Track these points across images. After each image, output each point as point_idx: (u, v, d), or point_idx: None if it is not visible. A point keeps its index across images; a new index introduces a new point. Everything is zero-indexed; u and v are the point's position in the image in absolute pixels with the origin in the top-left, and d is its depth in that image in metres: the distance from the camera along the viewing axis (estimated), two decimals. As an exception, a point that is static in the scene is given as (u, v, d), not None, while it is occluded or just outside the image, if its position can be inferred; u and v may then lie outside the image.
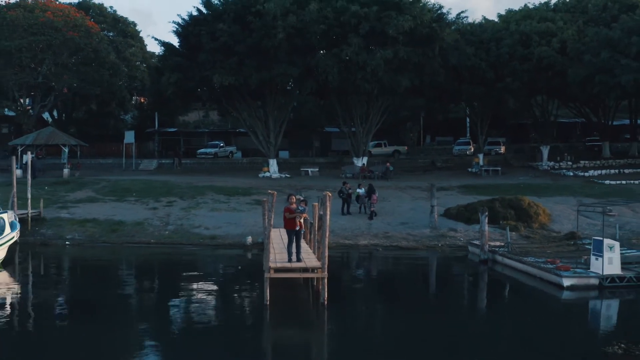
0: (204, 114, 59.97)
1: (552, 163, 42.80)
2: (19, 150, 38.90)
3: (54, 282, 18.27)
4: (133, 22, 53.76)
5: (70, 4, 51.09)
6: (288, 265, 13.82)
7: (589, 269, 15.69)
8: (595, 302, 15.04)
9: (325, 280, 13.28)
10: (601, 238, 15.49)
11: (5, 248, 18.44)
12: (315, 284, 14.44)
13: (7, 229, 18.59)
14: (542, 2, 44.58)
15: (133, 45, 50.93)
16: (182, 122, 57.87)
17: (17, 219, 21.04)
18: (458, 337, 12.15)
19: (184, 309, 14.36)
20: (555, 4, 43.69)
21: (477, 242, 20.34)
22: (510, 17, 42.47)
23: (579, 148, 48.86)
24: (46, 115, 51.46)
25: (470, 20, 47.55)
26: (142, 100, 57.34)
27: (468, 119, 50.65)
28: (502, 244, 19.87)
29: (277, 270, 13.50)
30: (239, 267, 20.24)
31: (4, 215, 18.75)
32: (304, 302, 14.97)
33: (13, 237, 19.14)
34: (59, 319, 13.62)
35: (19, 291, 16.48)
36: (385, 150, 47.95)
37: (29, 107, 46.21)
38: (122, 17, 53.01)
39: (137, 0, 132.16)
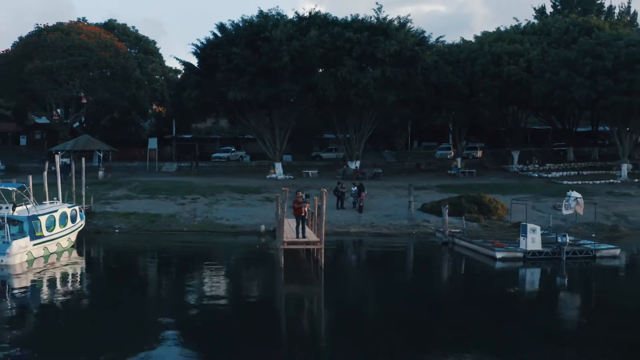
0: (213, 121, 65.01)
1: (521, 166, 47.87)
2: (60, 154, 43.87)
3: (118, 257, 23.26)
4: (153, 40, 58.68)
5: (97, 24, 56.38)
6: (296, 239, 18.85)
7: (518, 246, 20.71)
8: (516, 269, 20.04)
9: (322, 250, 18.31)
10: (525, 223, 20.56)
11: (76, 233, 23.39)
12: (315, 255, 19.38)
13: (79, 218, 23.55)
14: (513, 25, 49.74)
15: (153, 61, 55.92)
16: (194, 129, 62.97)
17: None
18: (415, 287, 17.20)
19: (221, 271, 19.37)
20: (524, 27, 48.74)
21: (441, 229, 25.35)
22: (484, 39, 47.53)
23: (547, 152, 53.91)
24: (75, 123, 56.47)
25: (452, 40, 52.74)
26: (159, 110, 62.32)
27: (450, 127, 55.76)
28: (460, 230, 24.87)
29: (288, 243, 18.53)
30: (257, 246, 25.28)
31: (76, 208, 23.72)
32: (306, 266, 20.01)
33: (82, 225, 24.12)
34: (126, 279, 18.63)
35: (90, 263, 21.46)
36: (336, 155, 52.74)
37: (61, 117, 51.22)
38: (143, 36, 58.02)
39: (148, 11, 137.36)
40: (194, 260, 22.64)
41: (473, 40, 49.64)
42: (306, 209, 19.31)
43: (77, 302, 15.59)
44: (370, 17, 42.34)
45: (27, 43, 47.11)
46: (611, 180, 42.00)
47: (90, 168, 47.00)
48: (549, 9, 57.44)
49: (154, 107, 60.06)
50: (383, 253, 24.61)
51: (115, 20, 58.14)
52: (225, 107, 44.44)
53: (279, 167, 44.04)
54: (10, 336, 11.91)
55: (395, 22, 41.82)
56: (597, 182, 41.76)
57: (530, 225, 20.40)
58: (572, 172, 45.53)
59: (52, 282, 17.70)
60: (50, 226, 20.51)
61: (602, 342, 12.22)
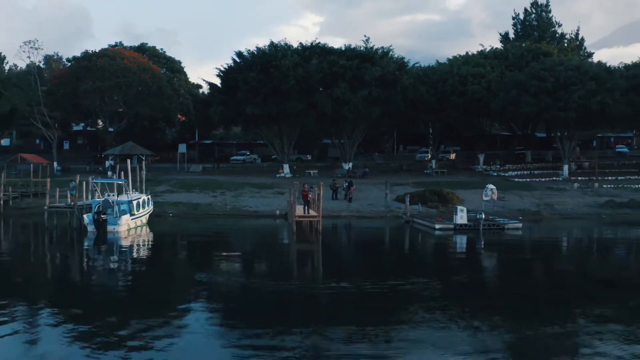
0: (228, 128, 74.49)
1: (485, 166, 57.28)
2: (110, 158, 53.55)
3: (175, 231, 32.60)
4: (179, 60, 68.17)
5: (131, 47, 65.99)
6: (304, 214, 28.33)
7: (452, 221, 30.14)
8: (449, 235, 29.36)
9: (320, 221, 27.75)
10: (457, 206, 30.04)
11: (148, 214, 32.80)
12: (315, 225, 28.73)
13: (150, 204, 33.00)
14: (479, 50, 59.14)
15: (179, 78, 65.44)
16: (212, 135, 72.51)
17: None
18: (378, 243, 26.58)
19: (253, 237, 28.74)
20: (487, 52, 58.13)
21: (406, 213, 34.78)
22: (454, 62, 56.90)
23: (509, 155, 63.32)
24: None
25: (436, 50, 62.18)
26: (183, 119, 71.81)
27: (431, 133, 65.18)
28: (417, 213, 34.31)
29: (299, 217, 28.00)
30: (276, 222, 34.76)
31: (149, 197, 33.18)
32: (309, 233, 29.39)
33: (152, 209, 33.58)
34: (182, 244, 28.04)
35: (159, 235, 30.85)
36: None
37: (106, 126, 60.76)
38: (170, 56, 67.53)
39: (162, 21, 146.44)
40: (230, 232, 32.04)
41: (446, 62, 58.95)
42: (310, 196, 28.79)
43: (154, 255, 25.05)
44: (360, 47, 51.93)
45: (80, 66, 56.61)
46: (554, 178, 51.45)
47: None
48: (512, 35, 66.86)
49: (180, 116, 69.60)
50: (362, 228, 34.00)
51: (147, 43, 67.88)
52: (243, 120, 53.96)
53: (286, 167, 53.52)
54: (112, 272, 21.33)
55: (380, 51, 51.44)
56: (543, 179, 51.22)
57: (459, 207, 29.88)
58: (526, 172, 54.97)
59: (140, 243, 27.14)
60: (138, 208, 29.90)
61: (490, 272, 21.60)
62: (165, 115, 59.95)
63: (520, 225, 30.62)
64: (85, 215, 27.77)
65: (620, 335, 12.39)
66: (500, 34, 67.51)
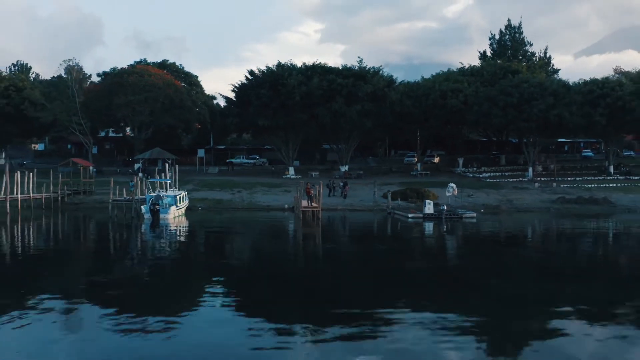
0: (240, 135, 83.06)
1: (463, 168, 65.77)
2: (139, 161, 62.08)
3: (207, 219, 41.01)
4: (196, 75, 76.73)
5: (154, 63, 74.58)
6: (307, 206, 36.80)
7: (423, 212, 38.59)
8: (419, 223, 37.75)
9: (320, 211, 36.20)
10: (426, 200, 38.50)
11: (184, 208, 41.22)
12: (317, 214, 37.11)
13: (187, 199, 41.47)
14: (459, 67, 67.63)
15: (197, 91, 74.02)
16: (224, 141, 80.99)
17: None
18: (364, 227, 35.05)
19: (267, 224, 37.22)
20: (465, 69, 66.61)
21: (388, 206, 43.21)
22: (437, 78, 65.31)
23: (486, 158, 71.83)
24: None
25: (431, 54, 70.72)
26: (198, 126, 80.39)
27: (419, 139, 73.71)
28: (398, 206, 42.74)
29: (304, 208, 36.49)
30: (285, 213, 43.20)
31: (186, 192, 41.66)
32: (311, 221, 37.82)
33: (187, 203, 42.03)
34: (216, 229, 36.51)
35: (195, 222, 39.32)
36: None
37: (136, 134, 69.29)
38: (188, 72, 76.15)
39: (171, 29, 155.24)
40: (249, 221, 40.46)
41: (430, 77, 67.42)
42: (312, 192, 37.26)
43: (194, 236, 33.50)
44: (355, 66, 60.48)
45: (113, 82, 65.18)
46: (521, 179, 59.93)
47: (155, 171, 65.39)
48: (489, 52, 75.41)
49: (197, 125, 78.20)
50: (353, 218, 42.42)
51: (168, 60, 76.54)
52: (255, 129, 62.51)
53: (291, 169, 61.99)
54: (165, 246, 29.74)
55: (371, 70, 60.01)
56: (511, 180, 59.69)
57: (427, 201, 38.34)
58: (497, 173, 63.46)
59: (182, 227, 35.56)
60: (180, 201, 38.35)
61: (446, 250, 30.03)
62: (185, 124, 68.51)
63: (475, 215, 39.06)
64: (142, 206, 36.26)
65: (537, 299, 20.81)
66: (479, 52, 76.22)
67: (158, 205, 35.37)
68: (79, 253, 25.99)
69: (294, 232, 34.22)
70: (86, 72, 76.85)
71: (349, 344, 11.66)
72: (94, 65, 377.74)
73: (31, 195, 43.18)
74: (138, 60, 75.36)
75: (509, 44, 72.09)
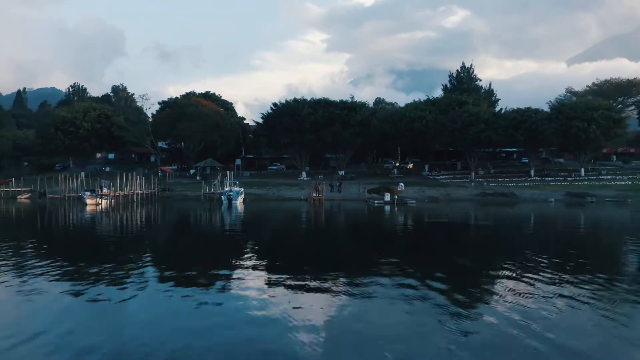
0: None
1: (428, 172, 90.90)
2: (200, 169, 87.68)
3: (256, 206, 66.31)
4: (231, 102, 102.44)
5: (199, 93, 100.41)
6: (315, 196, 62.19)
7: (384, 200, 63.72)
8: (382, 206, 62.75)
9: (323, 200, 61.49)
10: (385, 192, 63.72)
11: (242, 198, 66.48)
12: (322, 202, 62.21)
13: (243, 192, 66.80)
14: (425, 98, 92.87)
15: (232, 115, 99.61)
16: (251, 151, 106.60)
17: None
18: (349, 211, 60.44)
19: (291, 207, 62.60)
20: (430, 100, 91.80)
21: (367, 198, 68.37)
22: (409, 107, 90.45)
23: (447, 164, 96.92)
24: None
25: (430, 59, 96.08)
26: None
27: (399, 150, 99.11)
28: (371, 197, 67.95)
29: (314, 198, 61.87)
30: (302, 202, 68.49)
31: (243, 188, 66.98)
32: (319, 205, 63.08)
33: (244, 195, 67.37)
34: (262, 211, 62.02)
35: (249, 208, 64.71)
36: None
37: (190, 147, 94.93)
38: (225, 100, 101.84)
39: (188, 38, 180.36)
40: (280, 206, 65.64)
41: (405, 105, 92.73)
42: (319, 188, 62.68)
43: (254, 213, 58.82)
44: (349, 101, 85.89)
45: (175, 112, 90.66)
46: (465, 180, 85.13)
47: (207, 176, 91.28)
48: (449, 86, 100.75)
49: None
50: (344, 204, 67.60)
51: (210, 91, 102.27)
52: (278, 145, 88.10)
53: (304, 174, 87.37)
54: (235, 219, 55.12)
55: (359, 104, 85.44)
56: (458, 180, 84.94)
57: (386, 193, 63.53)
58: (450, 175, 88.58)
59: (246, 209, 60.77)
60: (242, 193, 63.74)
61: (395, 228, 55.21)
62: (226, 140, 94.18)
63: (414, 202, 63.99)
64: (222, 196, 61.63)
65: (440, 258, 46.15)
66: (442, 85, 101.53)
67: (231, 195, 60.78)
68: (194, 221, 51.25)
69: (308, 212, 59.40)
70: (152, 100, 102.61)
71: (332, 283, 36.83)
72: (117, 75, 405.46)
73: (143, 191, 68.89)
74: (189, 91, 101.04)
75: (463, 80, 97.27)
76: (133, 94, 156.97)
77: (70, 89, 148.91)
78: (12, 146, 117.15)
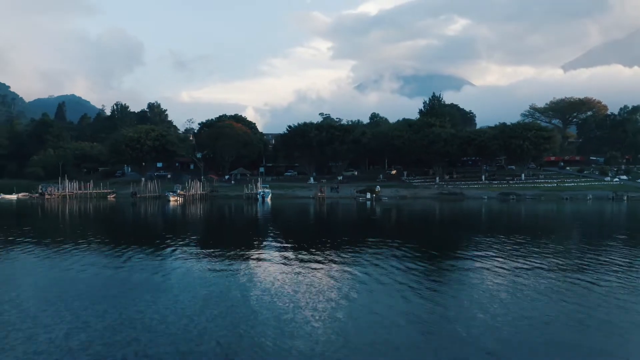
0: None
1: (406, 177, 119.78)
2: (233, 175, 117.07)
3: (279, 202, 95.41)
4: (254, 123, 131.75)
5: (230, 116, 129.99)
6: (320, 196, 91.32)
7: (366, 197, 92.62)
8: (365, 202, 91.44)
9: (325, 197, 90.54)
10: (367, 192, 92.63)
11: (270, 196, 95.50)
12: (325, 199, 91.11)
13: (271, 193, 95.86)
14: (402, 119, 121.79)
15: (255, 133, 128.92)
16: (270, 161, 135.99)
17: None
18: (343, 205, 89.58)
19: (303, 203, 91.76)
20: (406, 122, 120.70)
21: (355, 196, 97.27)
22: (391, 127, 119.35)
23: (422, 171, 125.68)
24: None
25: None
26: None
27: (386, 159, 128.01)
28: (360, 196, 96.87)
29: (318, 196, 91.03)
30: (310, 199, 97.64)
31: (270, 189, 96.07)
32: (322, 201, 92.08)
33: (270, 194, 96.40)
34: (283, 207, 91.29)
35: (274, 205, 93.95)
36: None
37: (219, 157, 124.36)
38: (250, 121, 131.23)
39: (201, 48, 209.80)
40: (295, 202, 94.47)
41: (389, 125, 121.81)
42: (323, 189, 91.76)
43: (279, 206, 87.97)
44: (345, 124, 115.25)
45: (213, 131, 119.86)
46: (432, 183, 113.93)
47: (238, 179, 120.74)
48: (424, 110, 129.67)
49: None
50: (341, 201, 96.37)
51: (237, 114, 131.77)
52: (292, 157, 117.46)
53: (311, 179, 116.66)
54: (265, 210, 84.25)
55: (353, 125, 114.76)
56: (426, 183, 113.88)
57: (367, 193, 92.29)
58: (422, 180, 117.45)
59: (274, 204, 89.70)
60: (270, 193, 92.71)
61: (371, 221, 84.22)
62: (252, 152, 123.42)
63: (387, 199, 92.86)
64: (258, 195, 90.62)
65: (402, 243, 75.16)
66: (419, 109, 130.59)
67: (264, 194, 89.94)
68: (243, 211, 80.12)
69: (314, 206, 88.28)
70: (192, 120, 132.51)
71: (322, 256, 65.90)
72: (135, 83, 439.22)
73: (200, 192, 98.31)
74: (222, 114, 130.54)
75: (436, 106, 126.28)
76: (166, 110, 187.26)
77: (115, 107, 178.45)
78: (73, 155, 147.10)
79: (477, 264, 22.89)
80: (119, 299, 16.72)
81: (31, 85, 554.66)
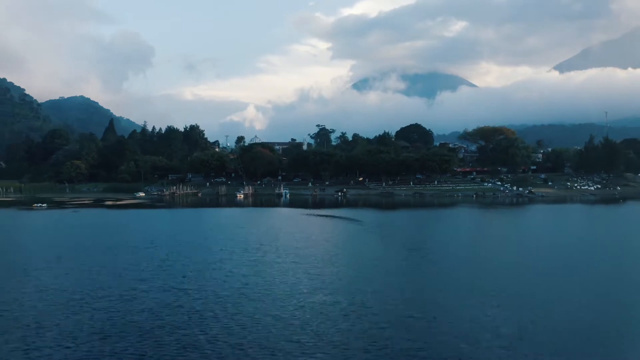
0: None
1: (368, 183, 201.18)
2: (262, 182, 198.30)
3: (296, 200, 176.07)
4: (273, 142, 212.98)
5: (256, 143, 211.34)
6: (315, 194, 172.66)
7: (339, 194, 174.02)
8: (337, 197, 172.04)
9: (317, 195, 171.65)
10: (349, 194, 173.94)
11: (289, 195, 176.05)
12: (318, 196, 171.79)
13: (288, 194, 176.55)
14: (379, 135, 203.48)
15: (274, 152, 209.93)
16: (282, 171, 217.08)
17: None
18: (327, 199, 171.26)
19: (306, 198, 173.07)
20: (371, 146, 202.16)
21: (334, 194, 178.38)
22: (359, 151, 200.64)
23: (380, 179, 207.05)
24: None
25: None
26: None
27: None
28: (335, 194, 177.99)
29: (313, 195, 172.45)
30: (309, 195, 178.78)
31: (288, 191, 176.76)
32: (316, 197, 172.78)
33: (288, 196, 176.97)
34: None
35: (292, 199, 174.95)
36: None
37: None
38: (270, 145, 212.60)
39: (208, 50, 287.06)
40: (301, 198, 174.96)
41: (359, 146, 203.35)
42: (317, 191, 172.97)
43: (297, 201, 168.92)
44: (329, 152, 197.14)
45: (250, 155, 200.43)
46: (380, 186, 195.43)
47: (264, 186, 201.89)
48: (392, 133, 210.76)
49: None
50: (326, 198, 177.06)
51: (259, 139, 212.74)
52: (297, 170, 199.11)
53: (310, 184, 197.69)
54: (286, 206, 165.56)
55: (337, 153, 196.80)
56: (377, 187, 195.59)
57: (339, 192, 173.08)
58: (376, 185, 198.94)
59: (294, 200, 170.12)
60: (288, 193, 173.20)
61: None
62: (271, 167, 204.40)
63: (350, 195, 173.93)
64: (282, 194, 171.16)
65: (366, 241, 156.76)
66: (394, 133, 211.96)
67: (286, 193, 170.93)
68: (276, 203, 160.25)
69: (312, 200, 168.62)
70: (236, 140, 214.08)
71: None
72: (146, 85, 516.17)
73: (251, 192, 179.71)
74: (254, 138, 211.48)
75: (386, 137, 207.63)
76: (204, 131, 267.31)
77: (167, 128, 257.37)
78: (150, 166, 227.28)
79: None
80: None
81: (44, 87, 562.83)
